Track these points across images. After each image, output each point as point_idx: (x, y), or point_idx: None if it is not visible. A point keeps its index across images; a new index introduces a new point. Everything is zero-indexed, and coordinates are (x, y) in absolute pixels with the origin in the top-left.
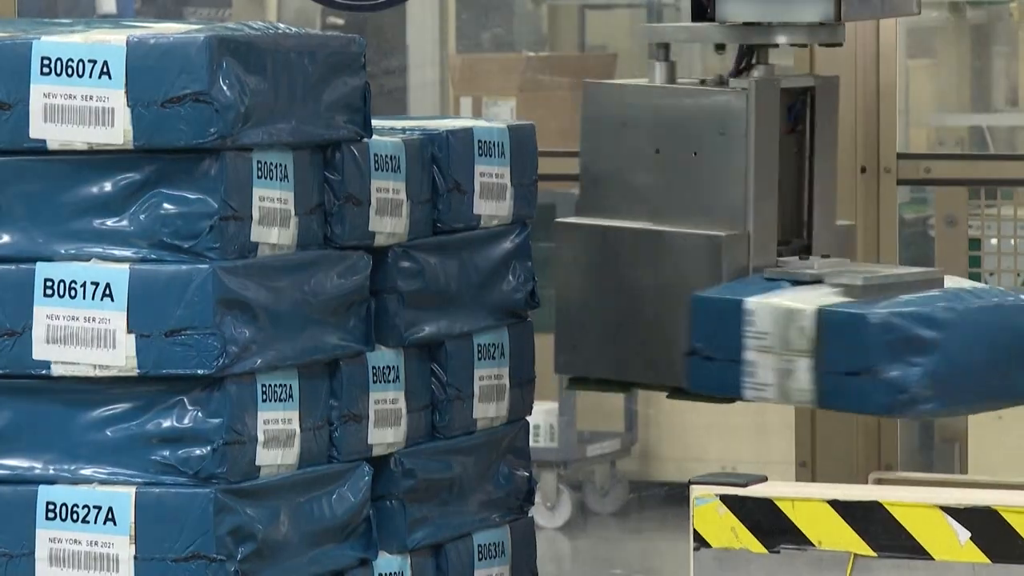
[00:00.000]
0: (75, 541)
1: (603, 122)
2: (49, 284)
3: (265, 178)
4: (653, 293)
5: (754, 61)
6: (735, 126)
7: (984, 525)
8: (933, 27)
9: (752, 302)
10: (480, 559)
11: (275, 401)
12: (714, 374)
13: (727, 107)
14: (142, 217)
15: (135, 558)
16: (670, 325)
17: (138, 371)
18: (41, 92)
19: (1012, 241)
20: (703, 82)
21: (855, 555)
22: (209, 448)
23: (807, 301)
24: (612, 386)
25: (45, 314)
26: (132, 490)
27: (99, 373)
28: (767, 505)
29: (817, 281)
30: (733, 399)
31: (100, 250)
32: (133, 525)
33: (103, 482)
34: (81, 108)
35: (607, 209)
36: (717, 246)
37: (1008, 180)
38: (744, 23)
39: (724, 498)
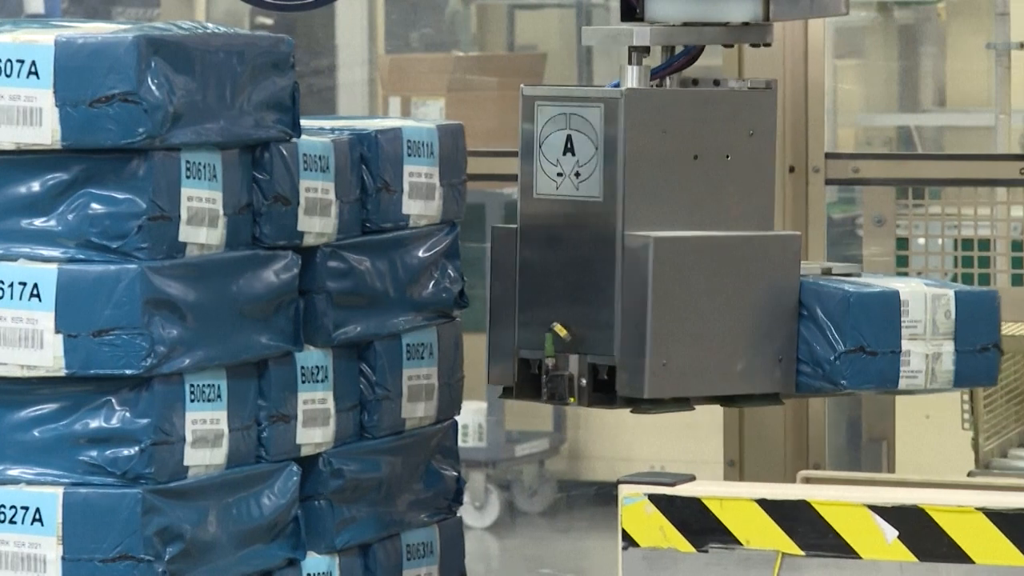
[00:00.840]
0: (2, 542)
1: (645, 130)
2: None
3: (193, 178)
4: (738, 300)
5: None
6: (764, 126)
7: (911, 524)
8: (861, 27)
9: (905, 292)
10: (408, 559)
11: (203, 401)
12: (874, 368)
13: (757, 107)
14: (70, 217)
15: (63, 559)
16: (759, 331)
17: (66, 371)
18: None
19: (940, 241)
20: (716, 83)
21: (783, 554)
22: (137, 448)
23: (930, 287)
24: (714, 403)
25: None
26: (59, 491)
27: (26, 373)
28: (695, 504)
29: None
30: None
31: (28, 250)
32: (60, 526)
33: (30, 482)
34: (8, 108)
35: (661, 221)
36: (796, 246)
37: (936, 180)
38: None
39: (652, 497)
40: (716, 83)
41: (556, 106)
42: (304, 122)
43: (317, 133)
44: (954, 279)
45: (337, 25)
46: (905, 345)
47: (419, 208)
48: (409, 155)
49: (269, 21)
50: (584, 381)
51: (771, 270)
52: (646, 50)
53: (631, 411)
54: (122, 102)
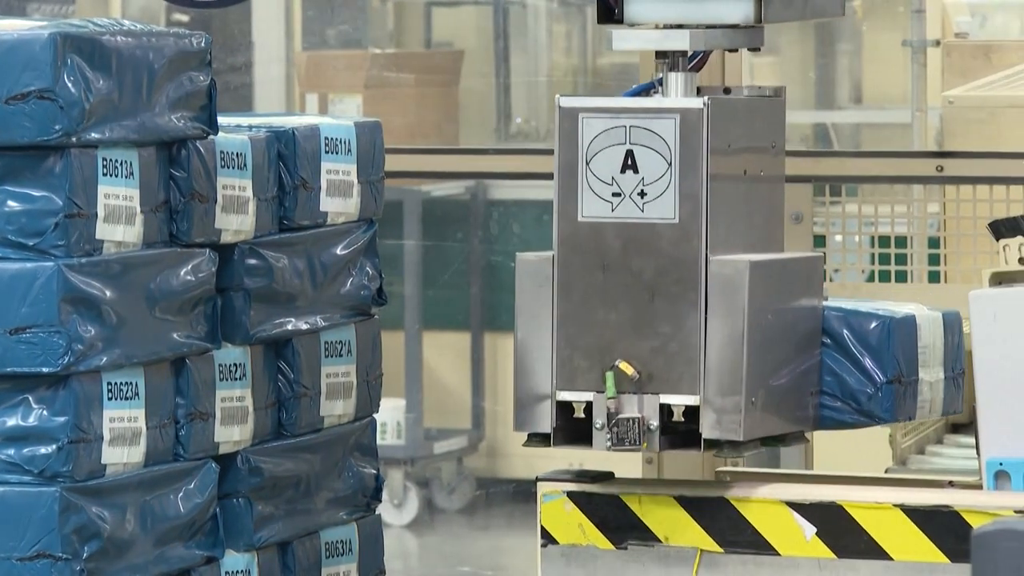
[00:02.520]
0: None
1: (719, 143)
2: None
3: (110, 175)
4: (794, 327)
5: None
6: (780, 138)
7: (830, 520)
8: (778, 24)
9: (919, 317)
10: (327, 557)
11: (121, 399)
12: (907, 399)
13: (772, 116)
14: None
15: None
16: (800, 361)
17: None
18: None
19: (856, 238)
20: (727, 91)
21: (702, 551)
22: (54, 447)
23: (931, 311)
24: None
25: None
26: None
27: None
28: (614, 501)
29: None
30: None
31: None
32: None
33: None
34: None
35: (731, 244)
36: (821, 267)
37: (853, 177)
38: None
39: (571, 495)
40: (727, 91)
41: (610, 119)
42: (221, 119)
43: (234, 130)
44: (871, 277)
45: (254, 22)
46: (921, 373)
47: (337, 205)
48: (327, 152)
49: (185, 18)
50: (655, 424)
51: (804, 294)
52: (683, 55)
53: (714, 454)
54: (38, 99)
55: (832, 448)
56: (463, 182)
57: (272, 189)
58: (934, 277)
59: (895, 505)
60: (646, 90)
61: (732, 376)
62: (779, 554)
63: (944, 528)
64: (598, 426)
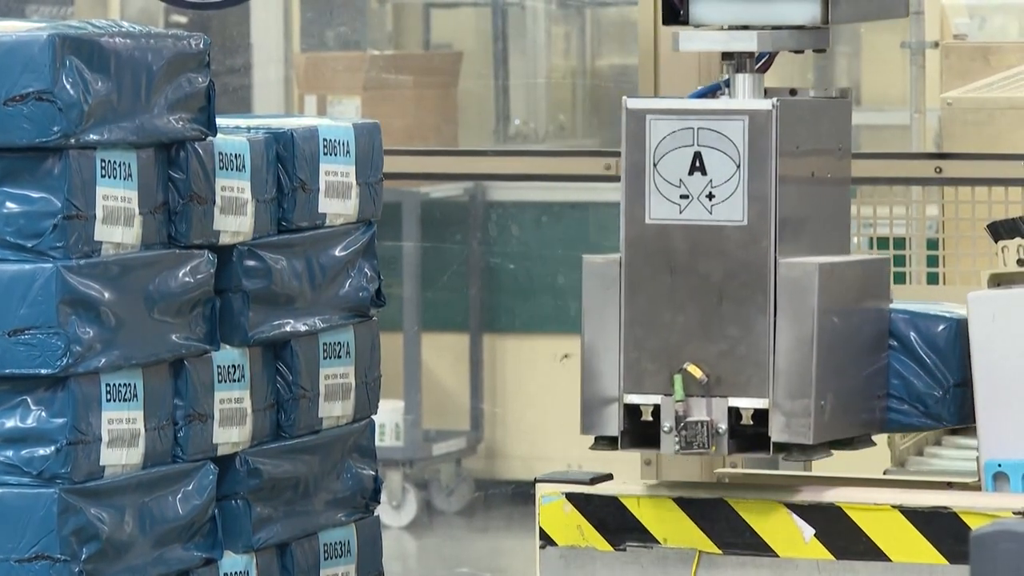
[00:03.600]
0: None
1: (788, 145)
2: None
3: (109, 177)
4: (862, 330)
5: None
6: (846, 140)
7: (828, 522)
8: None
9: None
10: (326, 558)
11: (119, 401)
12: (969, 403)
13: (838, 119)
14: None
15: None
16: (869, 364)
17: None
18: None
19: (856, 239)
20: (792, 92)
21: (700, 552)
22: (53, 448)
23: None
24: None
25: None
26: None
27: None
28: (613, 503)
29: None
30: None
31: None
32: None
33: None
34: None
35: (801, 247)
36: (888, 270)
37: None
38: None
39: (570, 496)
40: (793, 92)
41: (677, 120)
42: (220, 121)
43: (233, 132)
44: None
45: (252, 23)
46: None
47: (336, 207)
48: (325, 154)
49: (184, 20)
50: (723, 427)
51: (871, 297)
52: (750, 56)
53: (783, 458)
54: (37, 101)
55: None
56: (462, 184)
57: (271, 191)
58: (933, 279)
59: (894, 506)
60: (712, 91)
61: (801, 379)
62: (778, 556)
63: (943, 530)
64: (666, 429)
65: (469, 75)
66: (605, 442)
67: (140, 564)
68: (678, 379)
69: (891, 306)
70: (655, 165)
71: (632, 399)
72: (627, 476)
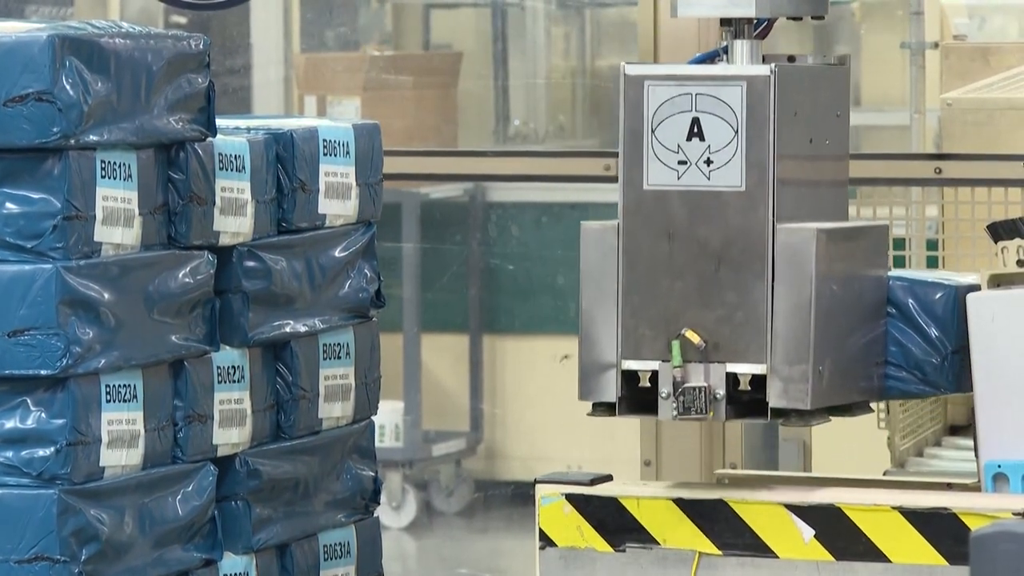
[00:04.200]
0: None
1: (786, 111)
2: None
3: (109, 177)
4: (861, 297)
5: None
6: (845, 106)
7: (828, 523)
8: (776, 26)
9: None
10: (326, 559)
11: (119, 401)
12: (967, 370)
13: (836, 85)
14: None
15: None
16: (867, 331)
17: None
18: None
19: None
20: (791, 59)
21: (700, 553)
22: (53, 449)
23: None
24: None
25: None
26: None
27: None
28: (612, 504)
29: None
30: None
31: None
32: None
33: None
34: None
35: (799, 212)
36: (886, 237)
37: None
38: None
39: (569, 497)
40: (791, 59)
41: (676, 86)
42: (220, 121)
43: (233, 132)
44: None
45: (252, 24)
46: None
47: (335, 208)
48: (325, 154)
49: (183, 20)
50: (721, 393)
51: (869, 264)
52: (750, 23)
53: (781, 423)
54: (37, 101)
55: (830, 450)
56: (462, 184)
57: (270, 191)
58: None
59: (893, 507)
60: (711, 58)
61: (799, 345)
62: (777, 556)
63: (942, 530)
64: (664, 395)
65: (469, 76)
66: (603, 408)
67: (140, 565)
68: (676, 345)
69: (889, 273)
70: (653, 131)
71: (630, 365)
72: (627, 477)
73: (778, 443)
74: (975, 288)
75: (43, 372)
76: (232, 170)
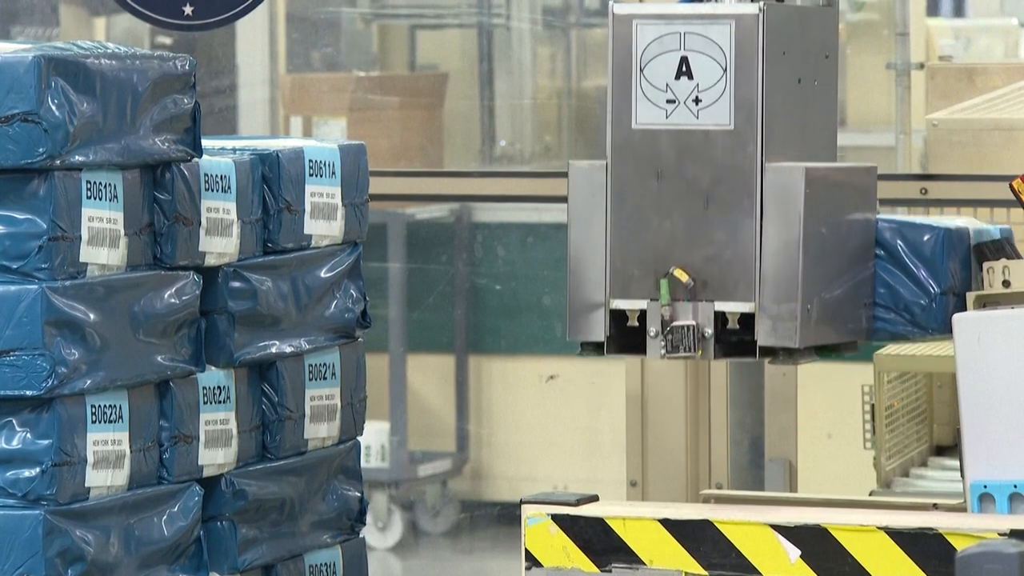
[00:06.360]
0: None
1: (775, 50)
2: None
3: (94, 198)
4: (848, 238)
5: None
6: (834, 47)
7: (814, 543)
8: None
9: (973, 229)
10: None
11: (105, 422)
12: (958, 311)
13: (826, 27)
14: None
15: None
16: (856, 272)
17: None
18: None
19: None
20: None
21: (686, 574)
22: (38, 469)
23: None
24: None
25: None
26: None
27: None
28: (598, 524)
29: None
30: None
31: None
32: None
33: None
34: None
35: (787, 151)
36: (875, 179)
37: None
38: None
39: (555, 517)
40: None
41: (664, 24)
42: (205, 142)
43: (219, 153)
44: None
45: (238, 45)
46: (973, 285)
47: (321, 228)
48: (311, 175)
49: (169, 41)
50: (709, 331)
51: (858, 205)
52: None
53: (769, 362)
54: (22, 122)
55: (816, 471)
56: (447, 205)
57: (256, 212)
58: None
59: (879, 528)
60: None
61: (788, 283)
62: None
63: (929, 551)
64: (652, 334)
65: (455, 96)
66: (591, 348)
67: None
68: (664, 283)
69: (878, 216)
70: (641, 70)
71: (618, 304)
72: (613, 497)
73: (764, 463)
74: (963, 232)
75: (28, 393)
76: (218, 190)
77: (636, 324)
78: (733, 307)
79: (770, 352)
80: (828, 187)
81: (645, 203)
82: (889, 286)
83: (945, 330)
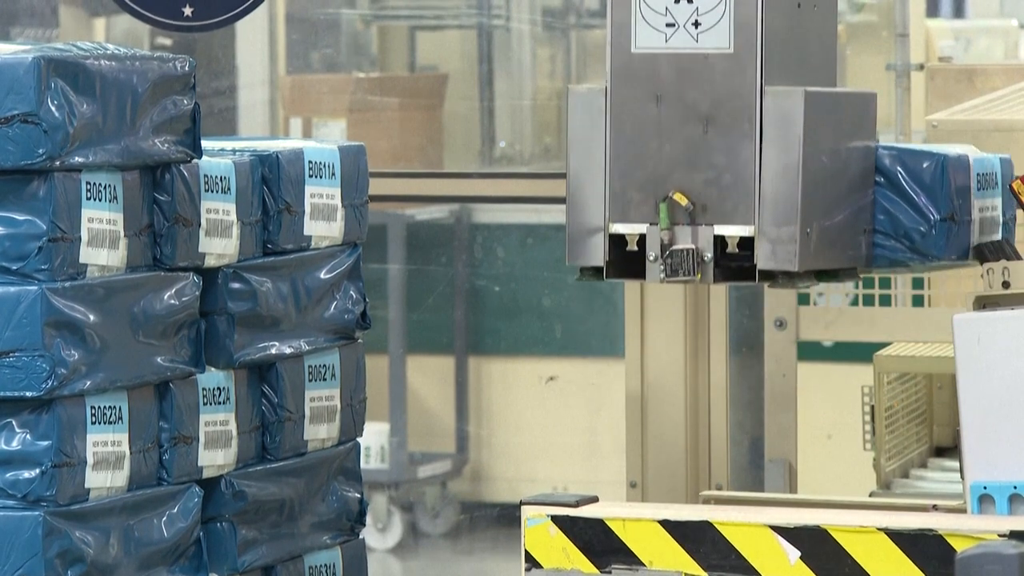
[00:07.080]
0: None
1: None
2: None
3: (94, 199)
4: (848, 164)
5: None
6: None
7: (814, 544)
8: None
9: (973, 158)
10: None
11: (104, 423)
12: (961, 238)
13: None
14: None
15: None
16: (854, 198)
17: None
18: None
19: None
20: None
21: (686, 575)
22: (38, 471)
23: (977, 151)
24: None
25: None
26: None
27: None
28: (598, 525)
29: None
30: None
31: None
32: None
33: None
34: None
35: (786, 75)
36: (874, 105)
37: None
38: None
39: (555, 518)
40: None
41: None
42: (205, 143)
43: (218, 154)
44: (855, 301)
45: (238, 46)
46: (974, 212)
47: (321, 229)
48: (311, 176)
49: (169, 42)
50: (709, 255)
51: (858, 130)
52: None
53: (768, 285)
54: (22, 123)
55: (816, 472)
56: (447, 206)
57: (256, 213)
58: (918, 301)
59: (879, 529)
60: None
61: (787, 206)
62: None
63: (928, 552)
64: (651, 258)
65: (454, 97)
66: (590, 272)
67: None
68: (663, 207)
69: (878, 143)
70: None
71: (617, 228)
72: (612, 498)
73: (764, 464)
74: (964, 159)
75: (28, 394)
76: (218, 192)
77: (635, 248)
78: (733, 231)
79: (769, 276)
80: (828, 111)
81: (644, 127)
82: (889, 213)
83: (945, 255)
